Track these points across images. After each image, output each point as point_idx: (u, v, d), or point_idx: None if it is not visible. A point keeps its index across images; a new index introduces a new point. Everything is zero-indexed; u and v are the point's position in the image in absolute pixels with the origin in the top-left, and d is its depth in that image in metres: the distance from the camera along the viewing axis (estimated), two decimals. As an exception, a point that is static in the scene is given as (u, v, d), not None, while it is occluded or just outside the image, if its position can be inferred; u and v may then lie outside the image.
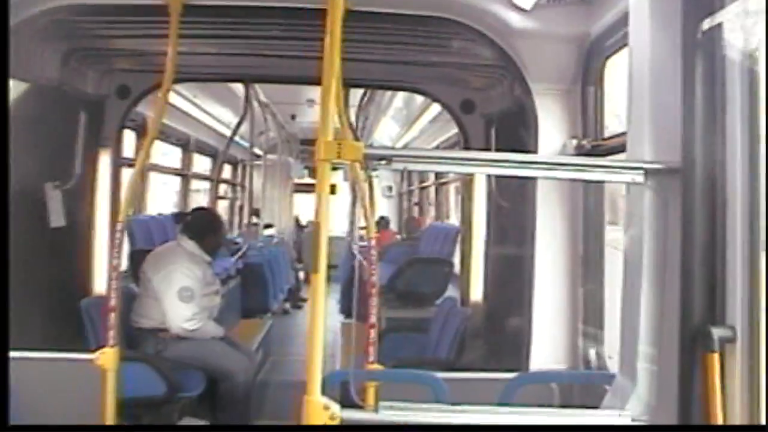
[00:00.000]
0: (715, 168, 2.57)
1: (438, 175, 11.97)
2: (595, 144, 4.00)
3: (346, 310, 8.31)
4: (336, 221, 11.34)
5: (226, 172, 13.45)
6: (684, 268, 2.61)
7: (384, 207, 14.96)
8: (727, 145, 2.55)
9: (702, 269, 2.58)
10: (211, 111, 10.68)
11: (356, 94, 7.81)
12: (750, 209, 2.49)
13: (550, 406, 3.59)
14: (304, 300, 13.18)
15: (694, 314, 2.58)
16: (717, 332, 2.51)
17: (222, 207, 12.44)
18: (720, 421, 2.45)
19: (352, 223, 10.43)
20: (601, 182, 3.80)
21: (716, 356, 2.49)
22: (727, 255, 2.55)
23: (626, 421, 2.71)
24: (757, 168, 2.50)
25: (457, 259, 7.50)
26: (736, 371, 2.50)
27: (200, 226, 5.69)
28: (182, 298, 5.30)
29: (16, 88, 4.62)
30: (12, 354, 3.72)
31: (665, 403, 2.68)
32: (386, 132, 12.86)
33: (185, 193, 11.13)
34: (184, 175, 11.04)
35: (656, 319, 2.77)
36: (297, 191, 19.47)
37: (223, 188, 13.19)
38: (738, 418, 2.47)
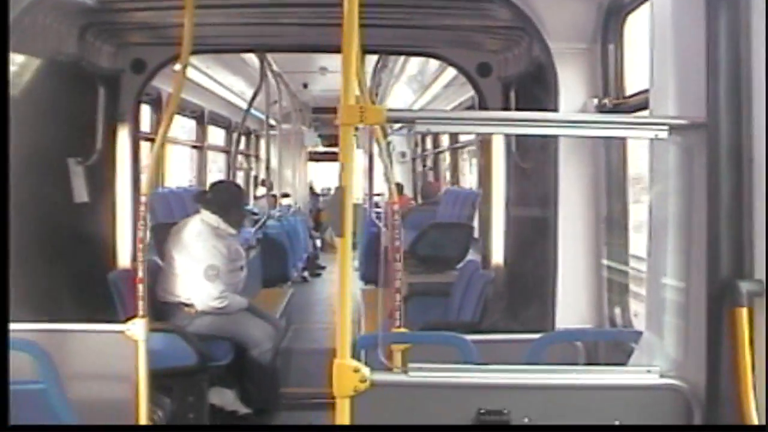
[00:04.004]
0: (741, 122, 2.55)
1: (453, 139, 11.92)
2: (617, 102, 3.97)
3: (366, 277, 8.35)
4: (353, 188, 11.34)
5: (241, 143, 13.47)
6: (710, 223, 2.61)
7: (397, 173, 14.93)
8: (753, 99, 2.53)
9: (728, 224, 2.57)
10: (224, 82, 10.66)
11: (369, 60, 7.78)
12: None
13: (576, 365, 3.61)
14: (322, 268, 13.27)
15: (721, 269, 2.57)
16: (745, 286, 2.50)
17: (238, 179, 12.47)
18: (749, 377, 2.45)
19: (369, 189, 10.44)
20: (625, 139, 3.78)
21: (744, 311, 2.49)
22: (754, 209, 2.54)
23: (654, 377, 2.73)
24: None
25: (476, 224, 7.49)
26: (764, 325, 2.50)
27: (223, 200, 5.63)
28: (208, 277, 5.30)
29: (32, 64, 4.64)
30: (45, 326, 3.79)
31: (693, 359, 2.69)
32: (400, 98, 12.79)
33: (202, 165, 11.16)
34: (200, 147, 11.07)
35: (683, 274, 2.77)
36: (311, 160, 19.50)
37: (239, 160, 13.23)
38: (766, 372, 2.48)
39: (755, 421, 2.43)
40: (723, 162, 2.58)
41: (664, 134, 2.74)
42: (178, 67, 4.36)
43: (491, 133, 5.46)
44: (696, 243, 2.69)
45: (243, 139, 13.67)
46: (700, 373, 2.66)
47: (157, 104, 7.96)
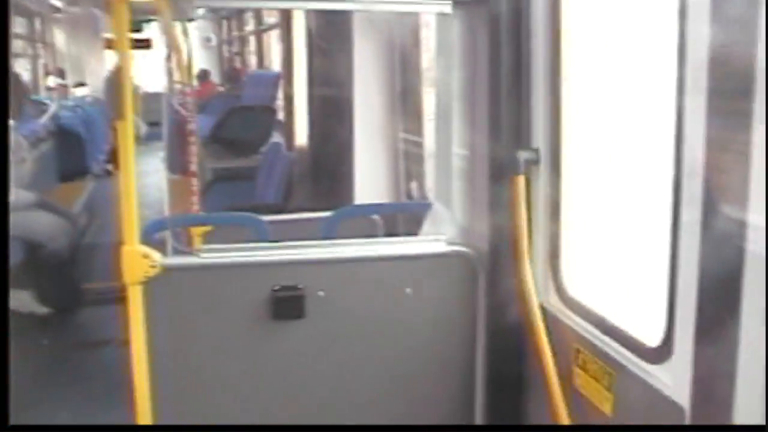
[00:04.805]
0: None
1: (259, 22, 11.55)
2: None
3: (171, 167, 8.06)
4: (157, 79, 10.76)
5: (21, 26, 12.26)
6: (492, 96, 2.70)
7: (204, 59, 14.35)
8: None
9: (508, 97, 2.68)
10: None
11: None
12: (551, 39, 2.58)
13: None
14: (129, 161, 12.66)
15: (502, 140, 2.69)
16: (523, 155, 2.65)
17: (21, 66, 11.43)
18: (525, 240, 2.62)
19: (169, 76, 9.93)
20: (413, 13, 3.79)
21: (522, 178, 2.64)
22: (531, 82, 2.65)
23: (442, 245, 2.85)
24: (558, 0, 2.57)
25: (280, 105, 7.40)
26: (540, 190, 2.67)
27: None
28: None
29: None
30: None
31: (477, 226, 2.83)
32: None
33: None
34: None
35: (467, 146, 2.88)
36: (108, 47, 18.22)
37: (20, 46, 12.07)
38: (541, 236, 2.66)
39: (531, 284, 2.62)
40: (503, 37, 2.65)
41: (448, 9, 2.77)
42: None
43: (279, 8, 5.29)
44: (479, 115, 2.79)
45: (24, 22, 12.47)
46: (484, 240, 2.81)
47: None
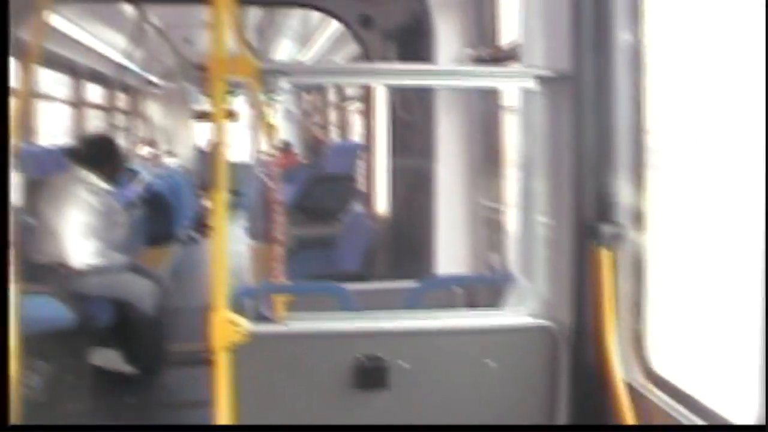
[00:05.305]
0: (605, 74, 2.66)
1: (341, 95, 11.88)
2: (492, 53, 4.05)
3: (254, 234, 8.28)
4: (240, 149, 11.16)
5: (122, 101, 12.97)
6: (575, 170, 2.72)
7: (287, 131, 14.80)
8: (616, 52, 2.64)
9: (592, 171, 2.70)
10: (103, 37, 10.18)
11: (253, 15, 7.62)
12: (636, 114, 2.60)
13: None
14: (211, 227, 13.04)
15: (585, 213, 2.70)
16: (606, 228, 2.64)
17: (119, 138, 12.04)
18: (611, 315, 2.60)
19: (255, 147, 10.28)
20: (496, 89, 3.87)
21: (606, 251, 2.63)
22: (615, 157, 2.67)
23: (524, 318, 2.85)
24: (643, 75, 2.61)
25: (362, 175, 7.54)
26: (625, 264, 2.65)
27: (96, 155, 5.47)
28: (83, 234, 5.14)
29: None
30: None
31: (560, 299, 2.82)
32: (286, 54, 12.60)
33: (78, 122, 10.69)
34: (76, 104, 10.58)
35: (550, 219, 2.89)
36: (198, 118, 18.98)
37: (121, 119, 12.75)
38: (627, 311, 2.63)
39: (616, 359, 2.58)
40: (587, 111, 2.69)
41: (532, 84, 2.83)
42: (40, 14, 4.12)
43: (365, 84, 5.47)
44: (562, 188, 2.81)
45: (123, 96, 13.18)
46: (567, 314, 2.79)
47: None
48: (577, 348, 2.76)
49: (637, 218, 2.66)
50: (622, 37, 2.64)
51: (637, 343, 2.61)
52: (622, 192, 2.67)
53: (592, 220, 2.68)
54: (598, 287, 2.63)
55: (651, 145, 2.65)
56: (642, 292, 2.64)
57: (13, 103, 4.61)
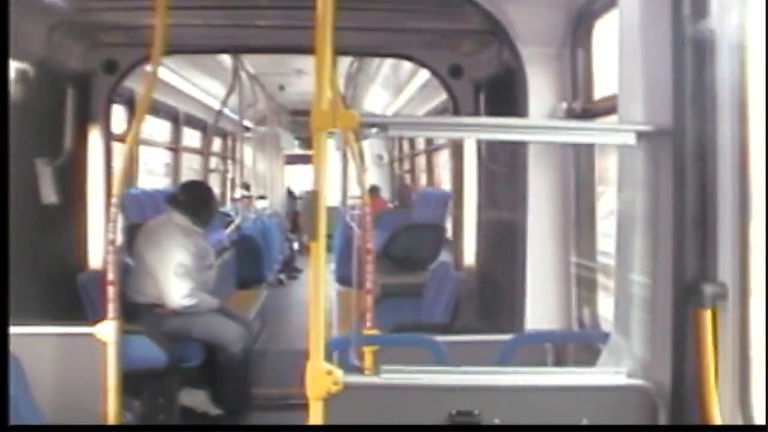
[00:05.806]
0: (706, 128, 2.60)
1: (429, 141, 11.96)
2: (586, 107, 4.02)
3: (341, 279, 8.36)
4: (328, 191, 11.33)
5: (217, 145, 13.40)
6: (676, 228, 2.65)
7: (375, 176, 14.94)
8: (717, 106, 2.58)
9: (693, 228, 2.62)
10: (199, 84, 10.61)
11: (343, 62, 7.80)
12: (739, 170, 2.52)
13: (545, 366, 3.65)
14: (299, 270, 13.25)
15: (686, 272, 2.62)
16: (709, 289, 2.56)
17: (213, 180, 12.42)
18: (712, 376, 2.50)
19: (343, 192, 10.43)
20: (593, 144, 3.82)
21: (708, 312, 2.54)
22: (717, 214, 2.59)
23: (621, 378, 2.77)
24: (746, 129, 2.53)
25: (449, 224, 7.53)
26: (727, 326, 2.55)
27: (192, 200, 5.70)
28: (177, 275, 5.32)
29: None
30: (14, 330, 3.76)
31: (659, 360, 2.73)
32: (376, 101, 12.81)
33: (176, 167, 11.10)
34: (174, 149, 11.00)
35: (649, 277, 2.81)
36: (288, 163, 19.43)
37: (214, 162, 13.16)
38: (730, 373, 2.53)
39: (718, 421, 2.48)
40: (689, 167, 2.62)
41: (631, 140, 2.78)
42: (149, 68, 4.34)
43: (460, 138, 5.50)
44: (662, 245, 2.73)
45: (218, 141, 13.62)
46: (666, 374, 2.70)
47: (131, 105, 7.90)
48: (676, 409, 2.67)
49: (742, 277, 2.56)
50: (723, 90, 2.57)
51: (742, 406, 2.49)
52: (725, 250, 2.58)
53: (693, 279, 2.59)
54: (700, 348, 2.54)
55: (754, 201, 2.56)
56: (746, 354, 2.53)
57: (121, 150, 4.87)
